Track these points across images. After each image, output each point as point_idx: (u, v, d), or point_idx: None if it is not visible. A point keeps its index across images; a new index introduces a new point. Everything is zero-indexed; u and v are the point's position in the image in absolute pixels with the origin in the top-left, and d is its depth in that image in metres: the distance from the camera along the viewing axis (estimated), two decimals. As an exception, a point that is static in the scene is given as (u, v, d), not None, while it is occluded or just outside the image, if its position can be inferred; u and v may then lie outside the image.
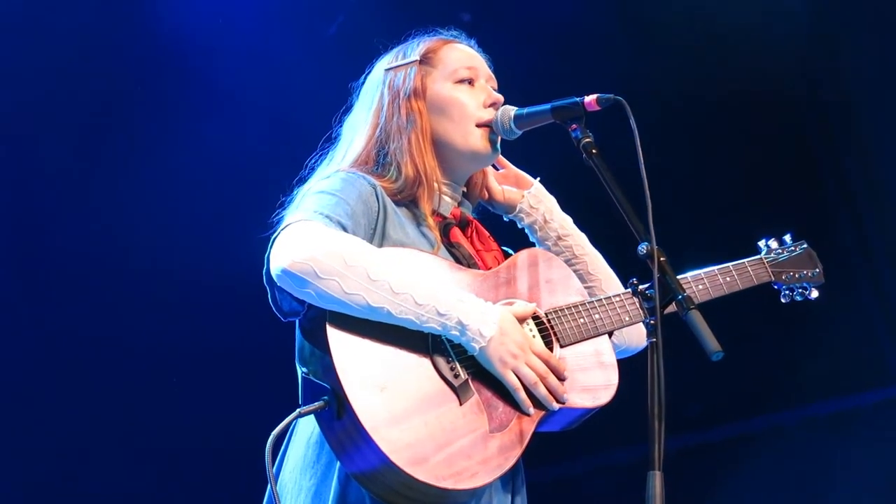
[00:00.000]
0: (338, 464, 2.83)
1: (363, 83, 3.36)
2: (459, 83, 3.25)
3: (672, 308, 2.76)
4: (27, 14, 5.48)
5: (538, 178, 3.47)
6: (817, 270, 3.66)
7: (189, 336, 5.77)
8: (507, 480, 3.03)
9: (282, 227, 2.86)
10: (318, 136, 3.36)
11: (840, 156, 6.71)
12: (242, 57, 5.87)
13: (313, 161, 3.31)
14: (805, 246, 3.68)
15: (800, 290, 3.64)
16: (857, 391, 6.64)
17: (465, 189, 3.34)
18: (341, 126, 3.34)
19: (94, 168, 5.75)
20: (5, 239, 5.60)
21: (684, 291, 2.75)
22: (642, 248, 2.80)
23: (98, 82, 5.69)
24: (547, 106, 3.10)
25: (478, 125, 3.21)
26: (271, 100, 5.90)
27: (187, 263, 5.71)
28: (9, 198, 5.64)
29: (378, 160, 3.18)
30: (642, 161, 2.83)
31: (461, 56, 3.31)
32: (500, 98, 3.26)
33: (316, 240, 2.77)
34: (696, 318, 2.72)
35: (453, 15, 5.59)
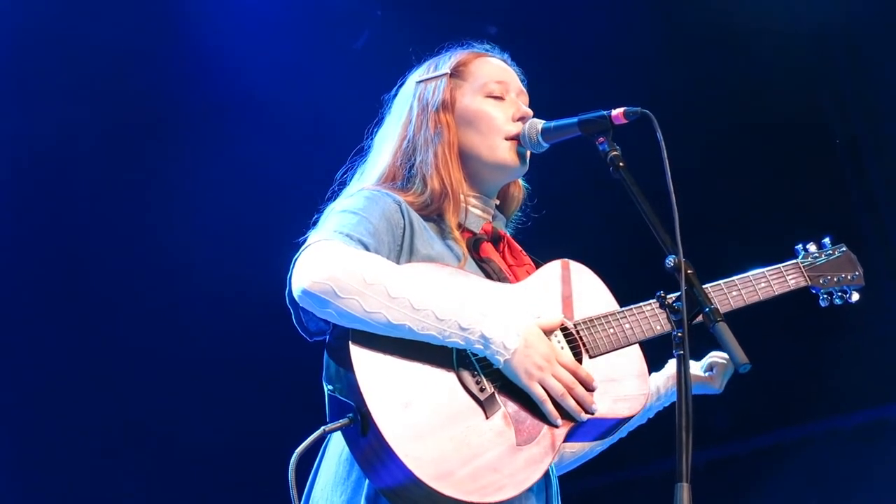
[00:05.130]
0: (367, 480, 2.83)
1: (395, 95, 3.36)
2: (489, 97, 3.25)
3: (700, 319, 2.76)
4: (65, 29, 5.55)
5: None
6: (857, 273, 3.60)
7: (218, 351, 5.80)
8: (542, 492, 3.03)
9: (303, 247, 2.87)
10: (351, 148, 3.38)
11: (864, 163, 6.69)
12: (274, 71, 5.91)
13: (343, 175, 3.32)
14: (844, 249, 3.62)
15: (839, 294, 3.58)
16: (885, 402, 6.60)
17: (498, 202, 3.34)
18: (372, 139, 3.35)
19: (131, 182, 5.82)
20: (41, 249, 5.66)
21: (711, 303, 2.74)
22: (669, 261, 2.79)
23: (131, 98, 5.76)
24: (574, 119, 3.10)
25: (506, 138, 3.20)
26: (304, 113, 5.94)
27: (218, 279, 5.75)
28: (46, 208, 5.70)
29: (405, 174, 3.18)
30: (669, 174, 2.83)
31: (492, 70, 3.31)
32: (530, 112, 3.26)
33: (335, 259, 2.78)
34: (724, 330, 2.71)
35: (480, 28, 5.62)
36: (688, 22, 6.34)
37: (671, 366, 3.50)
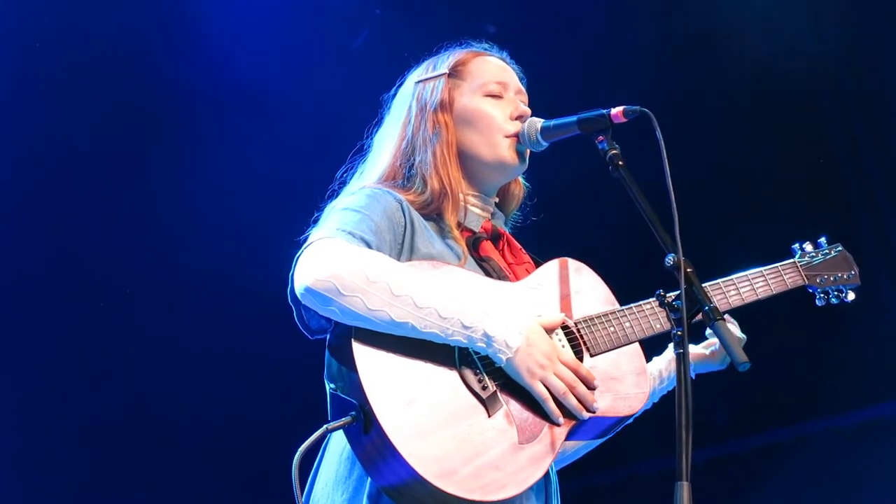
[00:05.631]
0: (369, 479, 2.84)
1: (394, 96, 3.37)
2: (488, 96, 3.26)
3: (699, 318, 2.77)
4: (67, 26, 5.55)
5: None
6: (853, 272, 3.62)
7: (219, 350, 5.81)
8: (541, 490, 3.04)
9: (305, 245, 2.88)
10: (351, 146, 3.38)
11: (864, 163, 6.69)
12: (273, 70, 5.91)
13: (343, 174, 3.33)
14: (840, 248, 3.65)
15: (835, 293, 3.61)
16: (884, 401, 6.61)
17: (496, 200, 3.35)
18: (372, 139, 3.35)
19: (131, 183, 5.82)
20: (42, 246, 5.67)
21: (711, 302, 2.75)
22: (669, 260, 2.80)
23: (130, 97, 5.76)
24: (573, 118, 3.10)
25: (505, 137, 3.21)
26: (304, 112, 5.95)
27: (221, 277, 5.75)
28: (47, 206, 5.71)
29: (404, 173, 3.19)
30: (668, 173, 2.84)
31: (491, 69, 3.32)
32: (528, 111, 3.26)
33: (338, 257, 2.79)
34: (723, 328, 2.72)
35: (479, 27, 5.63)
36: (687, 22, 6.34)
37: (672, 349, 3.52)
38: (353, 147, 3.38)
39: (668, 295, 2.86)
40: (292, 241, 3.00)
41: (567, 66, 6.16)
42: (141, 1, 5.80)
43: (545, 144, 3.21)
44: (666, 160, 2.84)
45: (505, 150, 3.21)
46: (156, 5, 5.80)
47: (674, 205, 2.78)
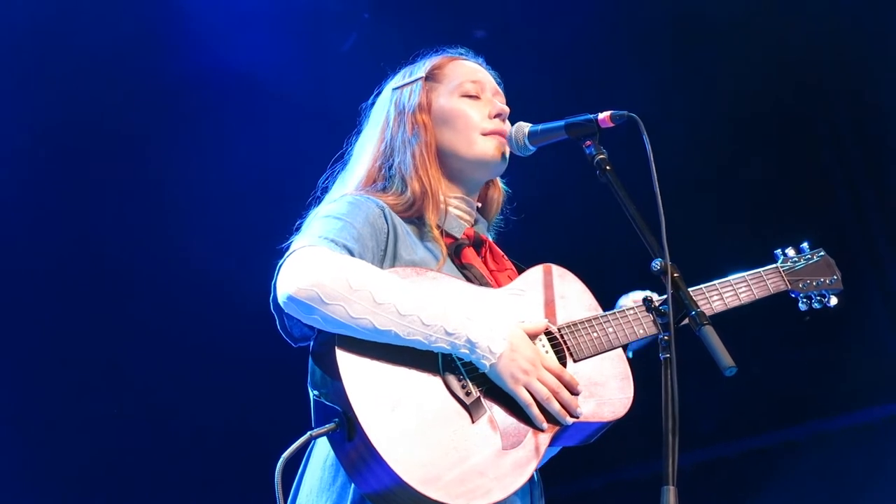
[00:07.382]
0: (352, 486, 2.83)
1: (372, 104, 3.39)
2: (464, 96, 3.27)
3: (686, 322, 2.77)
4: (66, 25, 5.55)
5: None
6: (835, 277, 3.64)
7: (203, 357, 5.79)
8: (526, 495, 3.04)
9: (287, 253, 2.87)
10: (333, 153, 3.38)
11: (852, 168, 6.71)
12: (261, 73, 5.91)
13: (325, 181, 3.33)
14: (823, 253, 3.66)
15: (818, 298, 3.62)
16: (871, 405, 6.62)
17: (479, 205, 3.35)
18: (352, 147, 3.36)
19: (121, 187, 5.82)
20: (40, 244, 5.67)
21: (698, 307, 2.76)
22: (656, 264, 2.80)
23: (122, 101, 5.75)
24: (561, 122, 3.11)
25: (483, 134, 3.22)
26: (293, 116, 5.94)
27: (207, 283, 5.74)
28: (44, 203, 5.71)
29: (384, 174, 3.20)
30: (656, 178, 2.83)
31: (466, 71, 3.34)
32: (506, 109, 3.28)
33: (320, 265, 2.78)
34: (710, 333, 2.72)
35: (467, 31, 5.63)
36: (679, 24, 6.35)
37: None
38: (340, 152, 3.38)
39: (655, 299, 2.86)
40: (275, 249, 2.99)
41: (555, 70, 6.16)
42: (131, 2, 5.79)
43: (532, 149, 3.22)
44: (653, 165, 2.84)
45: (483, 146, 3.21)
46: (148, 5, 5.78)
47: (661, 209, 2.78)
